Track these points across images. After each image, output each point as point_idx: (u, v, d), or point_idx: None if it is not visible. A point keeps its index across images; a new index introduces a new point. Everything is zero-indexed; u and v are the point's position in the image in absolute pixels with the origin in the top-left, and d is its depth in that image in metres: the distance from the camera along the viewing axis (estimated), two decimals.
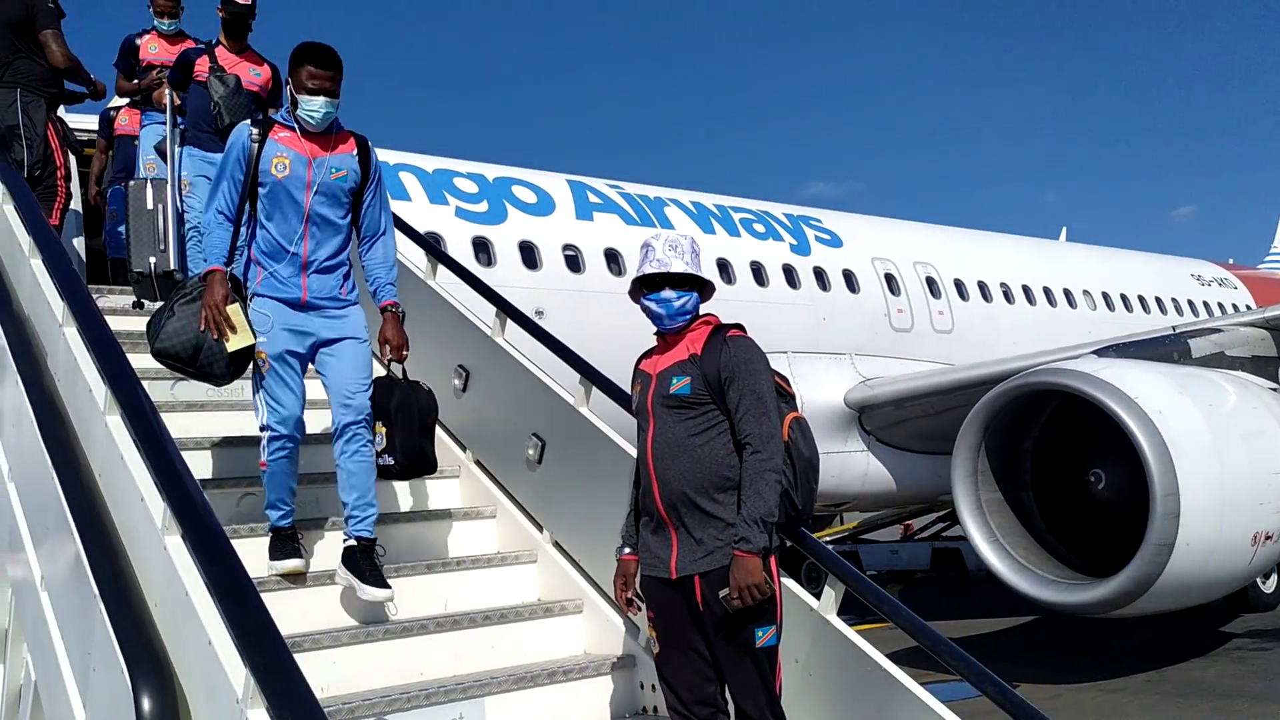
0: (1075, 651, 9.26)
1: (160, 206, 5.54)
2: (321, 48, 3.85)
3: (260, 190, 3.84)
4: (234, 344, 3.77)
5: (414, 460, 4.06)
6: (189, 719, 2.52)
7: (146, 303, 5.87)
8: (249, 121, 3.93)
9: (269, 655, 2.21)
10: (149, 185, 5.59)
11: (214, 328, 3.76)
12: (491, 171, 9.93)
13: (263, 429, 3.80)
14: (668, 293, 3.23)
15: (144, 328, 5.26)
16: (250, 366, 3.88)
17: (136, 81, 6.62)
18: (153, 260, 5.48)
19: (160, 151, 6.10)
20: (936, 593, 14.71)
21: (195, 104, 5.68)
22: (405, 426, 4.01)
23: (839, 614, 3.42)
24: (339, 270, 3.92)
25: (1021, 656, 8.83)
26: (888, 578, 15.52)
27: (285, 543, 3.86)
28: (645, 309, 3.29)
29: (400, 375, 4.12)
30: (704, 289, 3.30)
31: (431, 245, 5.70)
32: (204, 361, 3.83)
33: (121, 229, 6.55)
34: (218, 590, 2.42)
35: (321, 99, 3.81)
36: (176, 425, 3.98)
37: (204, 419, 4.85)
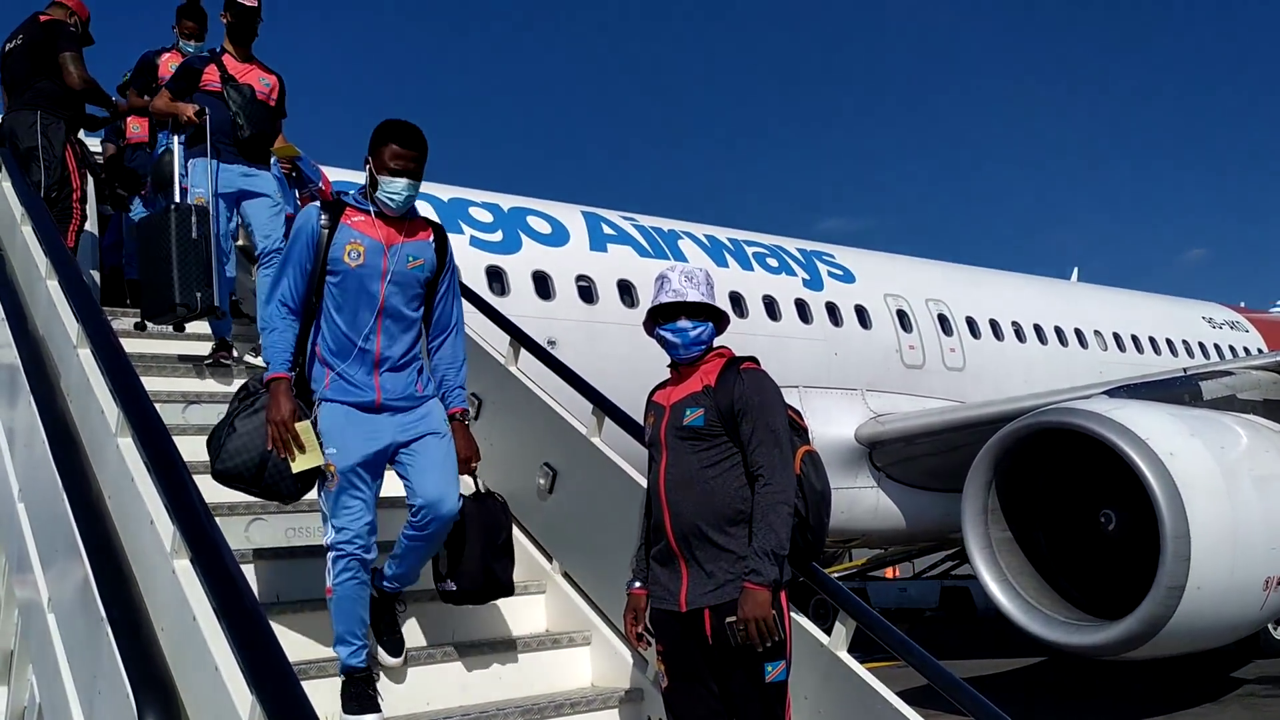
0: (1084, 694, 9.16)
1: (204, 237, 5.22)
2: (407, 126, 3.55)
3: (330, 280, 3.49)
4: (301, 464, 3.39)
5: (477, 586, 3.73)
6: None
7: (150, 324, 5.68)
8: (317, 205, 3.60)
9: (276, 683, 2.19)
10: (194, 213, 5.25)
11: (281, 448, 3.38)
12: (507, 201, 9.99)
13: (329, 548, 3.41)
14: (684, 323, 3.24)
15: (152, 350, 5.34)
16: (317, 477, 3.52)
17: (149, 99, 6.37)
18: (200, 295, 5.16)
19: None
20: (946, 631, 14.58)
21: (210, 116, 5.42)
22: (469, 547, 3.69)
23: (849, 651, 3.39)
24: (413, 366, 3.58)
25: (1030, 698, 8.74)
26: (896, 615, 15.40)
27: (360, 689, 3.37)
28: (660, 339, 3.30)
29: (471, 489, 3.81)
30: (719, 320, 3.32)
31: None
32: (269, 480, 3.51)
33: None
34: (226, 615, 2.41)
35: (405, 181, 3.50)
36: (188, 449, 3.97)
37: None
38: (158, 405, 3.40)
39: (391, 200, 3.51)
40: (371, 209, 3.54)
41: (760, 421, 3.11)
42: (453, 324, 3.72)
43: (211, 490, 4.26)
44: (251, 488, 3.56)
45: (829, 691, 3.37)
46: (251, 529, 4.24)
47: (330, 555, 3.41)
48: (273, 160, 5.77)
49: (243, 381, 3.93)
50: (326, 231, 3.49)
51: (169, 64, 6.45)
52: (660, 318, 3.28)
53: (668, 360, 3.37)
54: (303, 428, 3.38)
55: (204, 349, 5.58)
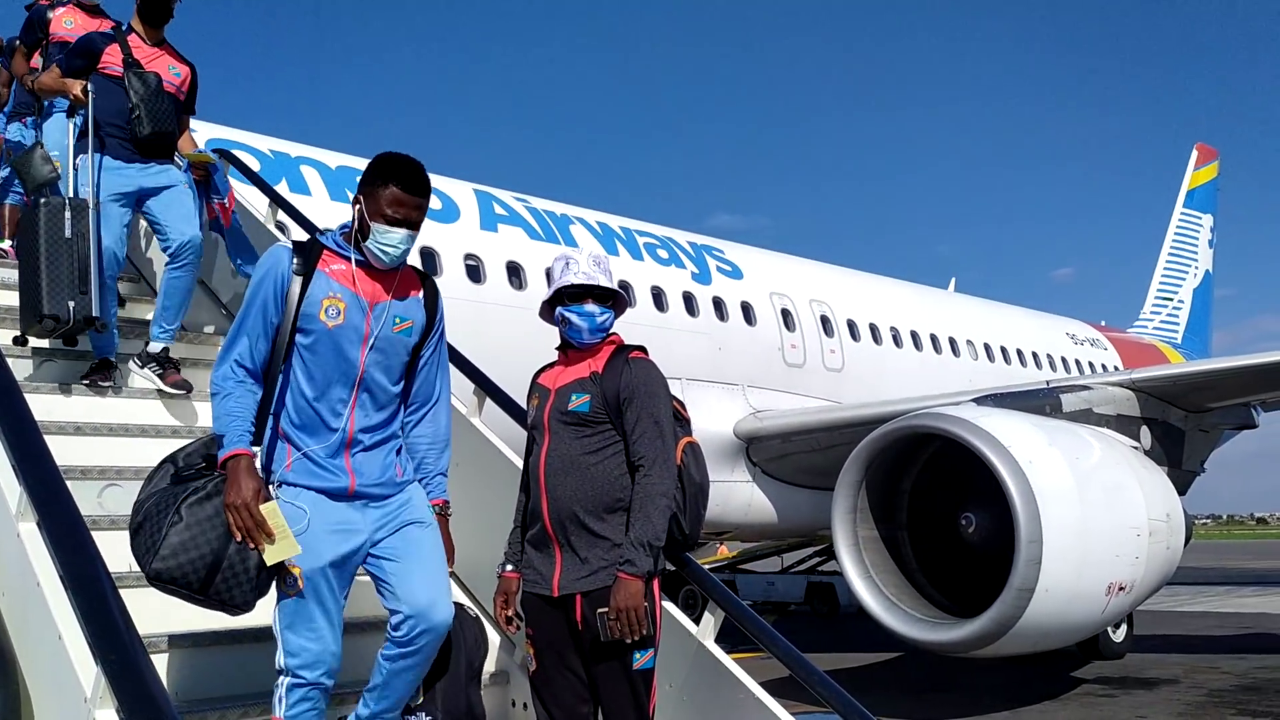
0: (937, 689, 9.53)
1: (80, 235, 4.53)
2: (412, 165, 3.02)
3: (299, 341, 2.93)
4: (273, 555, 2.78)
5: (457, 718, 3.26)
6: (30, 717, 2.38)
7: (32, 340, 4.82)
8: (288, 247, 3.02)
9: (122, 653, 2.10)
10: (68, 208, 4.55)
11: (248, 537, 2.77)
12: None
13: (281, 672, 2.85)
14: (591, 306, 3.24)
15: (12, 305, 4.94)
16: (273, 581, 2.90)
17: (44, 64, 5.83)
18: (72, 304, 4.44)
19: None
20: (809, 625, 14.96)
21: (105, 103, 4.73)
22: (452, 670, 3.25)
23: (716, 641, 3.44)
24: (390, 445, 3.06)
25: (887, 691, 9.04)
26: (763, 608, 15.73)
27: None
28: (564, 320, 3.27)
29: None
30: (618, 310, 3.31)
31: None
32: (220, 587, 2.80)
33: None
34: (73, 582, 2.30)
35: (404, 232, 2.97)
36: (39, 407, 3.78)
37: (69, 403, 4.61)
38: (9, 360, 3.21)
39: (385, 254, 2.98)
40: (354, 257, 3.00)
41: (645, 411, 3.12)
42: (435, 397, 3.19)
43: (64, 452, 4.07)
44: (196, 595, 2.84)
45: (694, 680, 3.41)
46: (105, 495, 4.05)
47: (284, 682, 2.83)
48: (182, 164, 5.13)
49: (165, 452, 3.08)
50: (300, 280, 2.93)
51: (63, 19, 5.85)
52: (566, 299, 3.26)
53: (555, 344, 3.35)
54: (269, 509, 2.80)
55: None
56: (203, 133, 7.20)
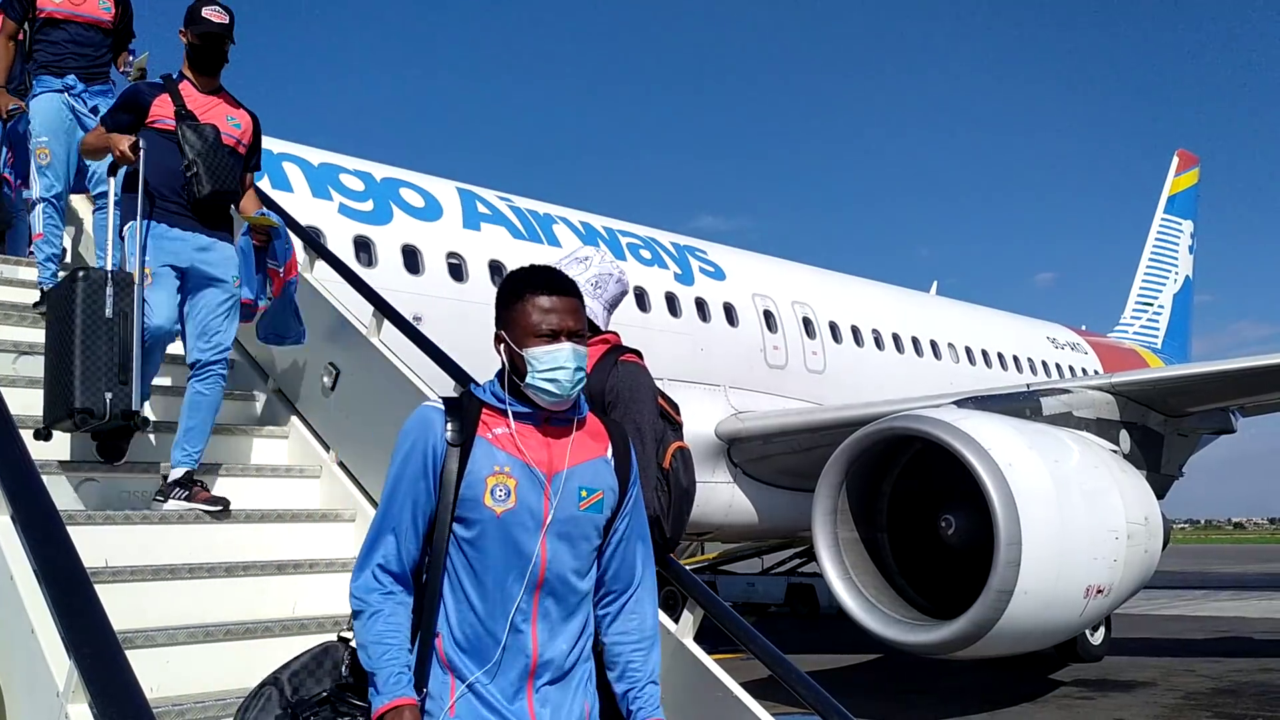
0: (916, 690, 9.56)
1: (122, 315, 3.90)
2: (548, 269, 2.39)
3: (460, 534, 2.21)
4: None
5: None
6: (2, 711, 2.35)
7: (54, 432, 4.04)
8: (439, 407, 2.29)
9: (96, 646, 2.07)
10: (110, 283, 3.91)
11: None
12: (380, 171, 9.73)
13: None
14: None
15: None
16: None
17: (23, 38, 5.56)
18: (109, 396, 3.83)
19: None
20: (789, 626, 14.98)
21: (156, 162, 4.12)
22: None
23: (695, 640, 3.43)
24: (581, 670, 2.29)
25: (865, 692, 9.06)
26: (743, 610, 15.74)
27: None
28: None
29: None
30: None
31: (311, 239, 5.43)
32: None
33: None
34: (46, 575, 2.27)
35: (569, 348, 2.25)
36: (16, 401, 3.74)
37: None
38: None
39: (553, 385, 2.24)
40: (511, 410, 2.27)
41: (626, 417, 3.09)
42: (637, 582, 2.40)
43: (40, 446, 4.03)
44: None
45: (673, 678, 3.39)
46: (82, 489, 4.02)
47: None
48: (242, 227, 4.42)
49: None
50: (458, 452, 2.21)
51: None
52: None
53: None
54: None
55: (35, 295, 5.11)
56: None
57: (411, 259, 9.20)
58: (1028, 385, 10.68)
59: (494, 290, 9.96)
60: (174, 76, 4.34)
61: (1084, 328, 19.87)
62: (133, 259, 4.09)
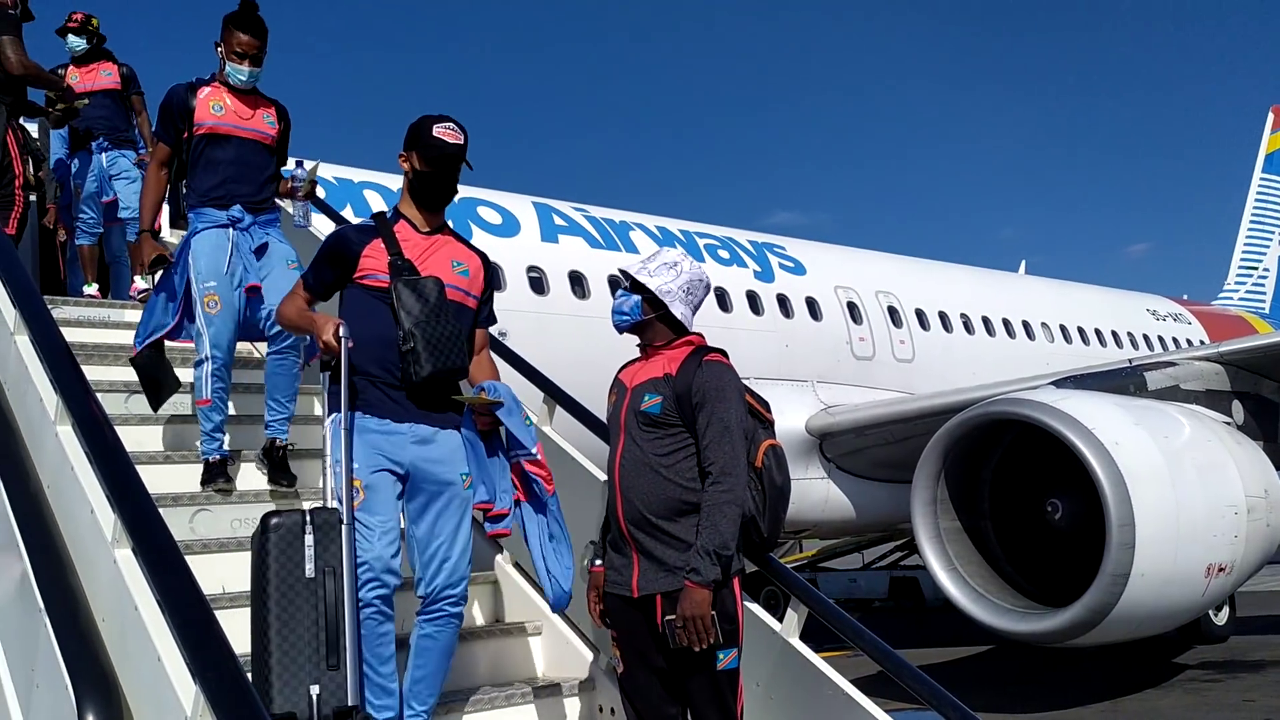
0: (1031, 681, 9.31)
1: (328, 572, 2.88)
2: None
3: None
4: None
5: None
6: None
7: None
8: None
9: (220, 671, 2.14)
10: (309, 528, 2.92)
11: None
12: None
13: None
14: (620, 295, 3.28)
15: (94, 339, 4.95)
16: None
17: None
18: (315, 691, 2.80)
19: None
20: (894, 621, 14.75)
21: (362, 332, 3.18)
22: None
23: (800, 639, 3.41)
24: None
25: (978, 685, 8.86)
26: (846, 606, 15.52)
27: None
28: None
29: None
30: (655, 308, 3.26)
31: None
32: None
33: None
34: (169, 604, 2.35)
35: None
36: (130, 439, 3.88)
37: (158, 433, 4.75)
38: (99, 394, 3.32)
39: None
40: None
41: (715, 416, 3.08)
42: None
43: (154, 480, 4.19)
44: None
45: (781, 678, 3.38)
46: (196, 520, 4.16)
47: None
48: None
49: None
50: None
51: (209, 104, 4.44)
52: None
53: (620, 352, 3.37)
54: None
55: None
56: None
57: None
58: (1129, 360, 10.35)
59: (575, 302, 10.02)
60: (386, 215, 3.41)
61: (1185, 297, 19.18)
62: (338, 466, 3.07)
